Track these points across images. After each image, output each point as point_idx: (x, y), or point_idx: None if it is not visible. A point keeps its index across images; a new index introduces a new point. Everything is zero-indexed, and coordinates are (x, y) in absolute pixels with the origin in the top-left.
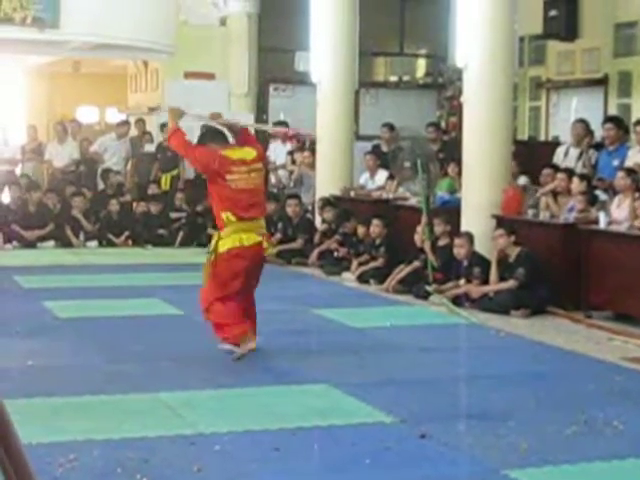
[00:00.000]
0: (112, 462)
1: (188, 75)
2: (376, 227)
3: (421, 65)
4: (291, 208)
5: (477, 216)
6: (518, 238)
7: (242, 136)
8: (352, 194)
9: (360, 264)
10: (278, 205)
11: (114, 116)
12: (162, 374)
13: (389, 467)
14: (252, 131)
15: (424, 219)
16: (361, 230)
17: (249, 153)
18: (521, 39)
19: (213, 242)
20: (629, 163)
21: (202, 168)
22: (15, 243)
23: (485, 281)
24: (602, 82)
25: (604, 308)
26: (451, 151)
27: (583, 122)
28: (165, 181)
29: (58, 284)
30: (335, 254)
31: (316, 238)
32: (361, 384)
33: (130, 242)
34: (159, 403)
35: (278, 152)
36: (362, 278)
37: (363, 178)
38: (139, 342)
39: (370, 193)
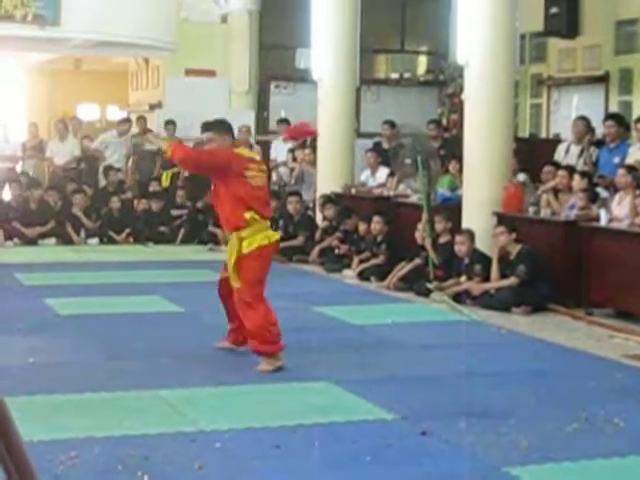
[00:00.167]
0: (113, 459)
1: (189, 72)
2: (377, 224)
3: (422, 62)
4: (292, 205)
5: (478, 213)
6: (519, 235)
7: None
8: (353, 191)
9: (361, 261)
10: (279, 202)
11: (115, 113)
12: (163, 371)
13: (390, 464)
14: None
15: (425, 216)
16: (362, 227)
17: (255, 153)
18: (522, 36)
19: (235, 244)
20: (630, 160)
21: (222, 169)
22: (16, 240)
23: (486, 278)
24: (603, 79)
25: (605, 305)
26: (452, 148)
27: (584, 119)
28: (165, 178)
29: (59, 281)
30: (336, 251)
31: (317, 235)
32: (362, 381)
33: (131, 239)
34: (160, 400)
35: (279, 149)
36: (363, 275)
37: (364, 175)
38: (140, 339)
39: (371, 190)
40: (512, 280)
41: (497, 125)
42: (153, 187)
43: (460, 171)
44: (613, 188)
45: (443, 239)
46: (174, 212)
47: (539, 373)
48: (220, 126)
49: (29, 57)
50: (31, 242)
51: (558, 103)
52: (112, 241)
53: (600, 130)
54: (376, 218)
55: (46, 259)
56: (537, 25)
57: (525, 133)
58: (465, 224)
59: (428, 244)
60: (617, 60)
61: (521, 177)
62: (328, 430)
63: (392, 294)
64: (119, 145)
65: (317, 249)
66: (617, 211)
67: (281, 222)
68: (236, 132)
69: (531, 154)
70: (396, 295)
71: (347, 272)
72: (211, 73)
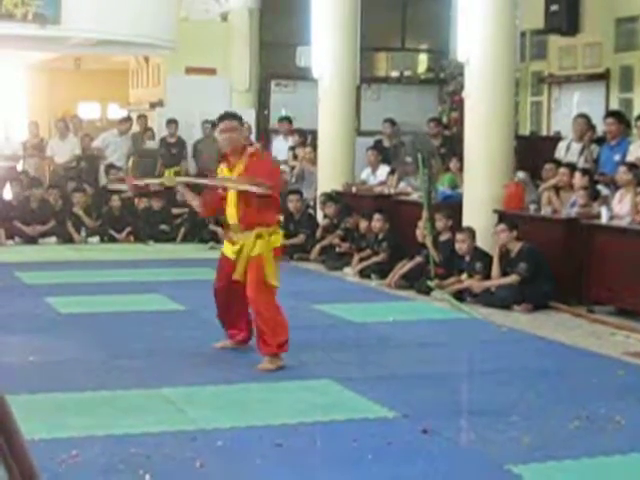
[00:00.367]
0: (114, 458)
1: (189, 71)
2: (377, 222)
3: (422, 60)
4: (293, 204)
5: (479, 211)
6: (520, 233)
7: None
8: (354, 189)
9: (361, 259)
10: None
11: (116, 112)
12: (164, 370)
13: (391, 462)
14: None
15: (425, 214)
16: (363, 224)
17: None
18: (522, 34)
19: (264, 240)
20: (631, 158)
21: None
22: (17, 239)
23: (487, 276)
24: (604, 77)
25: (606, 303)
26: (452, 146)
27: (584, 117)
28: (168, 177)
29: (60, 280)
30: (337, 249)
31: (318, 233)
32: (363, 379)
33: (132, 238)
34: (161, 399)
35: (280, 148)
36: (364, 273)
37: (365, 173)
38: (141, 338)
39: (372, 188)
40: (513, 278)
41: (498, 123)
42: (154, 186)
43: (461, 169)
44: (614, 186)
45: (444, 237)
46: (175, 210)
47: (540, 371)
48: (240, 118)
49: (30, 56)
50: (32, 241)
51: (559, 101)
52: (113, 240)
53: (601, 128)
54: (377, 216)
55: (47, 258)
56: (537, 22)
57: (526, 131)
58: (466, 222)
59: (429, 242)
60: (617, 57)
61: (520, 175)
62: (329, 428)
63: (393, 292)
64: (120, 144)
65: (318, 247)
66: (618, 209)
67: (282, 220)
68: None
69: (532, 152)
70: (397, 293)
71: (348, 270)
72: (211, 71)
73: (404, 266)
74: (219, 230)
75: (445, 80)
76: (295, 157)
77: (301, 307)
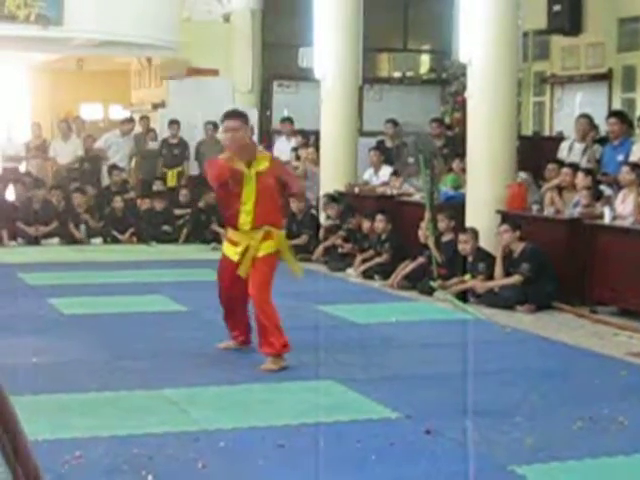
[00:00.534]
0: (117, 458)
1: (191, 72)
2: (380, 222)
3: (425, 61)
4: (295, 204)
5: (482, 212)
6: (523, 234)
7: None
8: (356, 190)
9: (364, 260)
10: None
11: (118, 113)
12: (166, 370)
13: (394, 463)
14: None
15: (428, 215)
16: (366, 225)
17: None
18: (525, 34)
19: (273, 241)
20: (633, 158)
21: None
22: (19, 240)
23: (490, 276)
24: (606, 77)
25: (609, 303)
26: (455, 147)
27: (587, 117)
28: (172, 177)
29: (63, 281)
30: (340, 250)
31: (320, 234)
32: (366, 380)
33: (134, 239)
34: (164, 399)
35: (282, 148)
36: (367, 274)
37: (367, 174)
38: (144, 339)
39: (374, 189)
40: (516, 278)
41: (500, 123)
42: (156, 186)
43: (463, 169)
44: (617, 186)
45: (446, 237)
46: (177, 211)
47: (543, 371)
48: (244, 117)
49: (32, 57)
50: (34, 242)
51: (561, 101)
52: (115, 240)
53: (604, 128)
54: (379, 217)
55: (50, 259)
56: (540, 23)
57: (528, 131)
58: (469, 222)
59: (431, 243)
60: (620, 57)
61: (523, 175)
62: (332, 429)
63: (396, 293)
64: (122, 145)
65: (321, 248)
66: (621, 209)
67: (284, 221)
68: None
69: (534, 152)
70: (400, 294)
71: (350, 271)
72: (214, 72)
73: (407, 267)
74: (221, 231)
75: (447, 81)
76: (298, 158)
77: (304, 308)
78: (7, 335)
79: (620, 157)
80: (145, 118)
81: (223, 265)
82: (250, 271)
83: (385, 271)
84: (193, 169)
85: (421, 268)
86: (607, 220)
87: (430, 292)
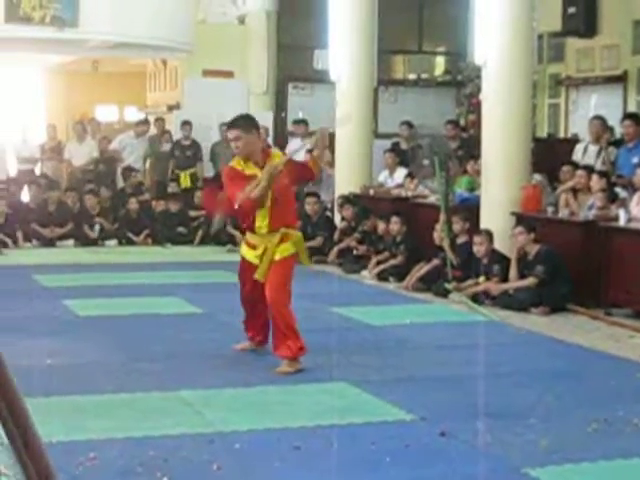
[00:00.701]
0: (132, 460)
1: (207, 73)
2: (395, 224)
3: (440, 63)
4: (310, 206)
5: (496, 214)
6: (538, 236)
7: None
8: (371, 192)
9: (379, 262)
10: (297, 203)
11: (133, 115)
12: (182, 372)
13: (409, 465)
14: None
15: (443, 217)
16: (381, 227)
17: None
18: (540, 36)
19: (290, 242)
20: None
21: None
22: (34, 242)
23: (504, 279)
24: (621, 79)
25: (624, 305)
26: (470, 149)
27: (600, 119)
28: (184, 179)
29: (78, 283)
30: (354, 252)
31: (335, 236)
32: (381, 382)
33: (149, 240)
34: (179, 401)
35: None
36: (381, 276)
37: (382, 176)
38: (159, 340)
39: (389, 191)
40: (531, 280)
41: (515, 125)
42: (171, 188)
43: (478, 171)
44: (632, 188)
45: (461, 239)
46: (192, 213)
47: (558, 373)
48: (247, 123)
49: (47, 59)
50: (49, 243)
51: (576, 103)
52: (130, 242)
53: (619, 130)
54: (394, 218)
55: (65, 260)
56: (555, 25)
57: (543, 133)
58: (483, 224)
59: (446, 245)
60: (635, 59)
61: (538, 177)
62: (347, 431)
63: (410, 295)
64: (136, 146)
65: (336, 250)
66: (636, 211)
67: (299, 223)
68: None
69: (549, 154)
70: (414, 296)
71: (365, 273)
72: (229, 74)
73: (421, 269)
74: (237, 233)
75: (462, 82)
76: None
77: (318, 310)
78: (22, 337)
79: (635, 159)
80: (160, 120)
81: (243, 267)
82: (267, 274)
83: (400, 273)
84: (208, 170)
85: (436, 270)
86: (622, 222)
87: (445, 294)
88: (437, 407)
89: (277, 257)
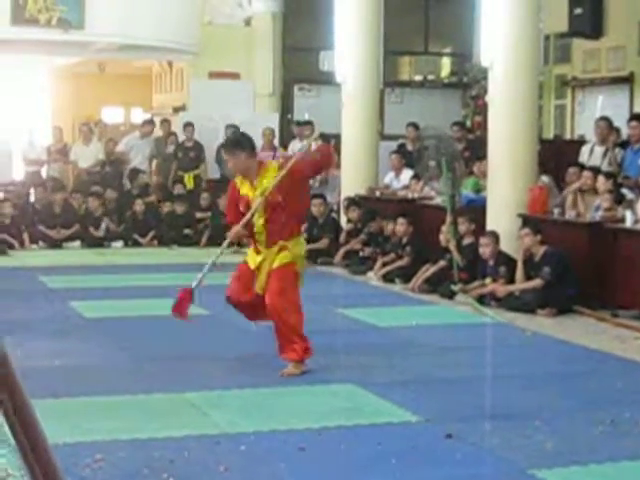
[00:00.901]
0: (138, 462)
1: (213, 75)
2: (401, 226)
3: (446, 64)
4: (316, 208)
5: (503, 215)
6: (544, 237)
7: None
8: (377, 193)
9: (385, 264)
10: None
11: (139, 116)
12: (188, 374)
13: (415, 467)
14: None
15: (449, 218)
16: (390, 227)
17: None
18: (546, 37)
19: (288, 252)
20: None
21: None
22: (41, 243)
23: (511, 280)
24: (627, 80)
25: (631, 307)
26: (476, 150)
27: (606, 120)
28: (189, 180)
29: (84, 284)
30: (360, 254)
31: (341, 238)
32: (387, 383)
33: (155, 242)
34: (185, 403)
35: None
36: (387, 277)
37: (388, 177)
38: (165, 342)
39: (395, 192)
40: (537, 282)
41: (521, 127)
42: (178, 190)
43: (484, 173)
44: (638, 189)
45: (467, 241)
46: (198, 215)
47: (564, 375)
48: (233, 146)
49: (53, 61)
50: (56, 245)
51: (582, 104)
52: (137, 244)
53: (625, 131)
54: (400, 220)
55: (71, 262)
56: (561, 26)
57: (550, 134)
58: (490, 226)
59: (452, 246)
60: None
61: (544, 179)
62: (353, 432)
63: (417, 296)
64: (142, 147)
65: (342, 251)
66: None
67: (305, 224)
68: (260, 135)
69: (556, 155)
70: (420, 297)
71: (371, 274)
72: (235, 76)
73: (427, 270)
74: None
75: (469, 84)
76: None
77: (325, 311)
78: (28, 338)
79: None
80: (166, 122)
81: (241, 272)
82: (267, 282)
83: (406, 274)
84: (214, 172)
85: (442, 272)
86: (628, 224)
87: (451, 296)
88: (443, 408)
89: (275, 265)
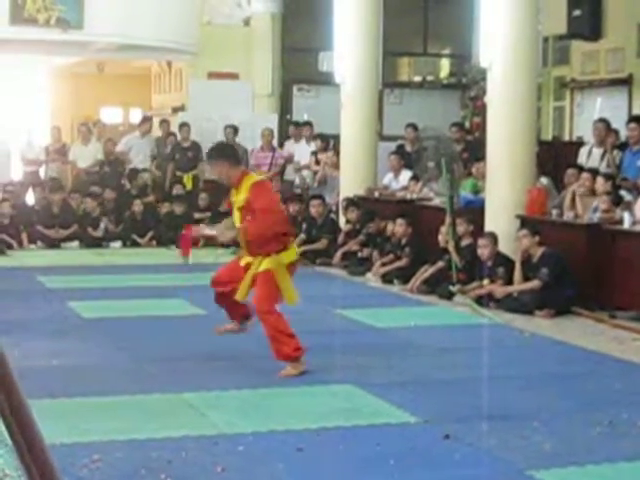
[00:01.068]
0: (136, 462)
1: (212, 75)
2: (400, 226)
3: (445, 65)
4: (315, 208)
5: (501, 216)
6: (542, 238)
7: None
8: (376, 194)
9: (384, 264)
10: (302, 205)
11: (138, 116)
12: (186, 374)
13: (413, 467)
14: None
15: (448, 219)
16: (390, 227)
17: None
18: (545, 39)
19: (273, 258)
20: None
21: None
22: (39, 243)
23: (509, 281)
24: (626, 82)
25: (628, 308)
26: (475, 151)
27: (604, 121)
28: (188, 181)
29: (82, 284)
30: (359, 254)
31: (340, 238)
32: (385, 384)
33: (154, 242)
34: (183, 403)
35: (302, 152)
36: (386, 278)
37: (387, 178)
38: (163, 342)
39: (394, 193)
40: (535, 283)
41: (520, 128)
42: (176, 190)
43: (483, 174)
44: (636, 191)
45: (466, 242)
46: (197, 215)
47: (562, 376)
48: (216, 154)
49: (52, 61)
50: (54, 245)
51: (581, 106)
52: (135, 244)
53: (624, 133)
54: (399, 221)
55: (69, 262)
56: (560, 28)
57: (548, 136)
58: (488, 227)
59: (451, 247)
60: None
61: (543, 180)
62: (351, 433)
63: (415, 297)
64: (142, 146)
65: (340, 252)
66: None
67: (304, 225)
68: (259, 136)
69: (554, 157)
70: (419, 298)
71: (370, 275)
72: (234, 76)
73: (426, 271)
74: None
75: (467, 85)
76: (317, 162)
77: (323, 312)
78: (26, 338)
79: None
80: (165, 122)
81: (235, 264)
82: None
83: (404, 275)
84: (207, 172)
85: (440, 273)
86: (627, 225)
87: (449, 297)
88: (441, 409)
89: (260, 269)
